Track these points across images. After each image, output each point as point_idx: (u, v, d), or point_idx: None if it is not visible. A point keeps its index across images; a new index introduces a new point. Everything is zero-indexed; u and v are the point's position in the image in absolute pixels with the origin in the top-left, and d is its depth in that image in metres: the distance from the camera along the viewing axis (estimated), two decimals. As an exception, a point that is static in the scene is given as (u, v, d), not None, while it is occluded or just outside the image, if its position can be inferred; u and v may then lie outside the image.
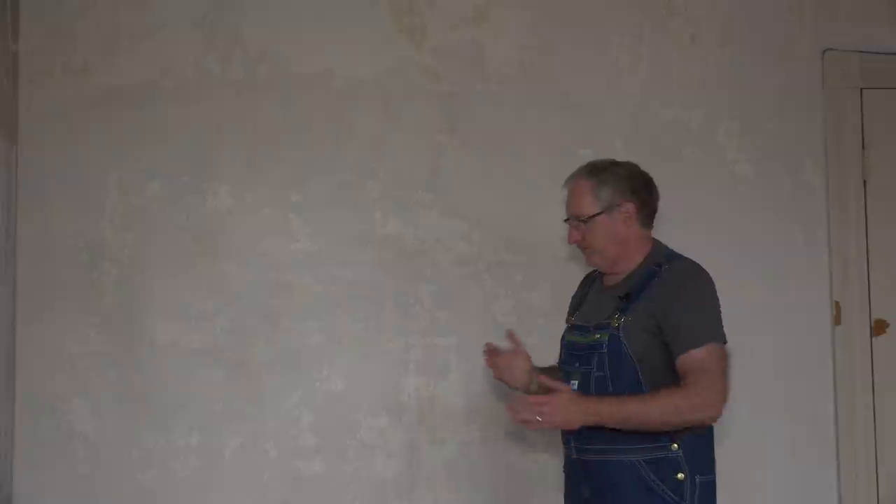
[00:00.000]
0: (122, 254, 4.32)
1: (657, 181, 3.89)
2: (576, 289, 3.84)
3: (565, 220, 3.65)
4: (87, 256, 4.31)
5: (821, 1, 4.55)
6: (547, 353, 3.76)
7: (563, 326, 3.80)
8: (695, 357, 3.42)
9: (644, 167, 3.89)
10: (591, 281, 3.77)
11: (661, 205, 3.88)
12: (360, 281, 4.35)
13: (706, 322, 3.48)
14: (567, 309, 3.78)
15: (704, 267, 3.60)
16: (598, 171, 3.59)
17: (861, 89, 4.50)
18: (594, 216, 3.55)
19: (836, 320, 4.41)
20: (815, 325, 4.41)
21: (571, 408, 3.42)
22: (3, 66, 4.22)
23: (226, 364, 4.31)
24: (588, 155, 4.32)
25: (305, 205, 4.38)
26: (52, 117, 4.35)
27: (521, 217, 4.38)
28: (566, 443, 3.65)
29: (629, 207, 3.56)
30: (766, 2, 4.55)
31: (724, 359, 3.49)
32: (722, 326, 3.53)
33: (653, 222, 3.64)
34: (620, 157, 4.12)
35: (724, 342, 3.54)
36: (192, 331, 4.31)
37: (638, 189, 3.59)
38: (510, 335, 3.68)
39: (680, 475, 3.45)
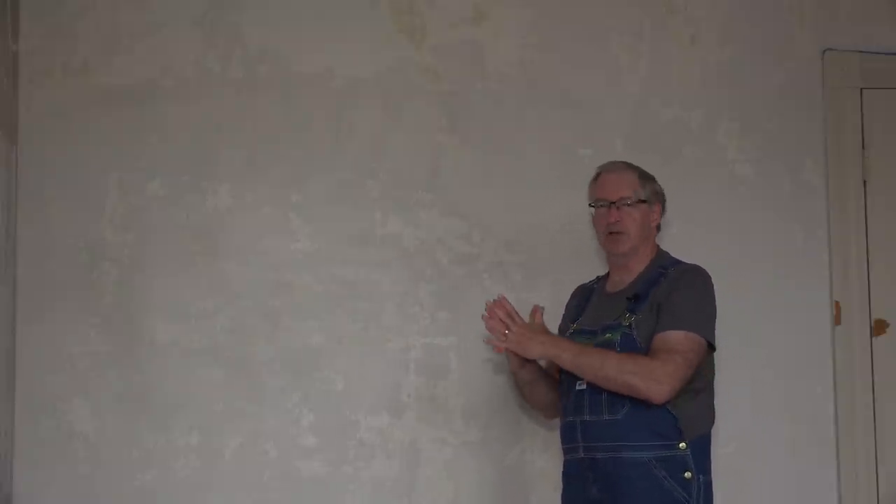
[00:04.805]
0: (122, 254, 4.32)
1: (657, 180, 3.92)
2: (569, 298, 3.97)
3: (592, 205, 3.83)
4: (87, 256, 4.31)
5: (821, 1, 4.54)
6: (547, 352, 3.78)
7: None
8: (670, 337, 3.56)
9: (644, 166, 3.92)
10: (588, 291, 3.90)
11: (661, 204, 3.93)
12: (360, 281, 4.35)
13: (696, 313, 3.61)
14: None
15: (704, 267, 3.78)
16: (638, 170, 3.85)
17: (861, 89, 4.49)
18: (640, 202, 3.75)
19: (836, 320, 4.40)
20: (815, 325, 4.40)
21: (537, 337, 3.67)
22: (3, 66, 4.22)
23: (226, 363, 4.30)
24: (588, 154, 4.34)
25: (305, 204, 4.38)
26: (52, 117, 4.34)
27: (521, 217, 4.38)
28: (570, 444, 3.68)
29: (658, 209, 3.82)
30: (767, 1, 4.54)
31: (696, 352, 3.59)
32: (712, 326, 3.65)
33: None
34: (620, 156, 4.14)
35: (710, 342, 3.64)
36: (192, 330, 4.31)
37: (662, 198, 3.86)
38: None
39: (687, 474, 3.56)
